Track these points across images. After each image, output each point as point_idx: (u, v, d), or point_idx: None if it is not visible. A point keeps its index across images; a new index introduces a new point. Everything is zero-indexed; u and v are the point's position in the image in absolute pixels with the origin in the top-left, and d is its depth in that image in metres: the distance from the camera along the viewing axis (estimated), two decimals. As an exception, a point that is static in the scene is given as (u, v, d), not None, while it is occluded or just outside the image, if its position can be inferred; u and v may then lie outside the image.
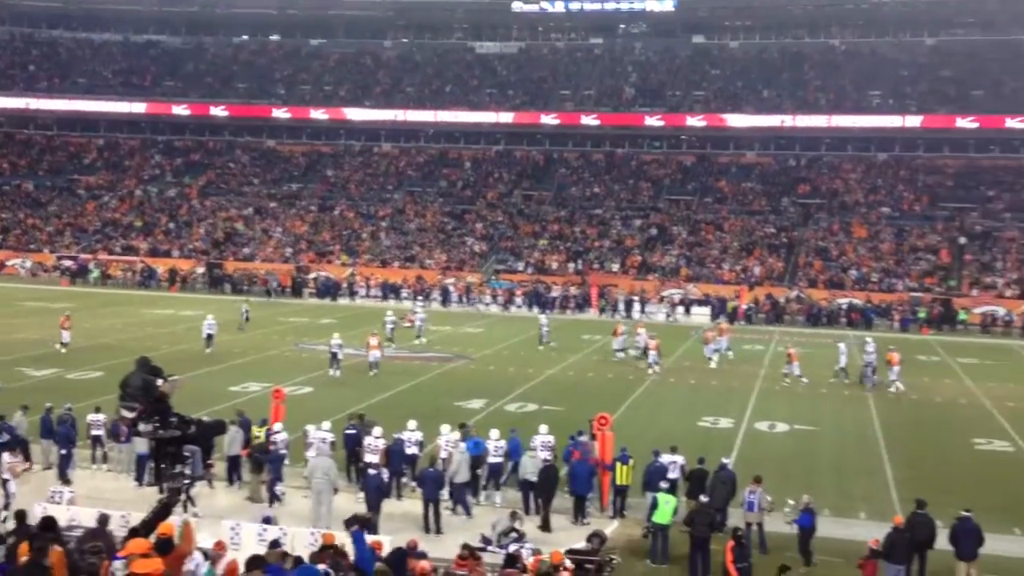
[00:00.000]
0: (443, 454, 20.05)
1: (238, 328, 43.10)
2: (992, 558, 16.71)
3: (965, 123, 67.26)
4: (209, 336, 37.55)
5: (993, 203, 64.49)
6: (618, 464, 19.73)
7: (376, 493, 18.54)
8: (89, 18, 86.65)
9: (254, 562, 12.15)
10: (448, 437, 20.42)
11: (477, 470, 20.52)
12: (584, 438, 20.86)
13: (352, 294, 58.83)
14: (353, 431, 21.27)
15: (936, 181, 68.04)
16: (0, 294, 54.32)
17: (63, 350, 35.73)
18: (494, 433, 20.81)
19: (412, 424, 21.19)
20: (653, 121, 73.56)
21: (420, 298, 55.99)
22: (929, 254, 60.21)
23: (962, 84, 70.70)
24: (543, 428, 21.30)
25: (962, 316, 53.07)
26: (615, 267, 61.92)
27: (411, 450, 20.88)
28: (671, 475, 19.44)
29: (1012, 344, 48.06)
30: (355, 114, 77.93)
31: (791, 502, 17.87)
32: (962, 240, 60.39)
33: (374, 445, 20.22)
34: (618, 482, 19.76)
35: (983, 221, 62.71)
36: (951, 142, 69.21)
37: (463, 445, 20.01)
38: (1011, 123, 66.18)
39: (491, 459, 20.48)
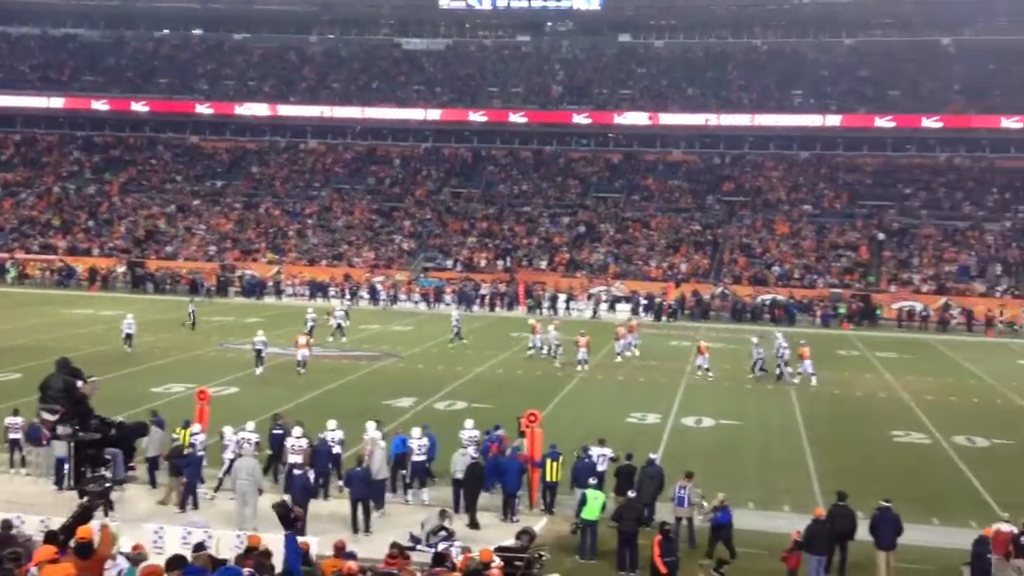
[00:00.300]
0: (367, 452, 20.01)
1: (181, 324, 42.93)
2: (911, 548, 17.14)
3: (883, 122, 68.82)
4: (128, 336, 36.95)
5: (910, 201, 66.15)
6: (548, 460, 19.86)
7: (303, 494, 18.36)
8: (4, 11, 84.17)
9: (175, 562, 12.02)
10: (372, 435, 20.34)
11: (402, 469, 20.54)
12: (501, 432, 21.03)
13: (279, 293, 58.19)
14: (279, 431, 21.06)
15: (855, 179, 69.54)
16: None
17: None
18: (416, 431, 20.78)
19: (332, 424, 21.07)
20: (581, 119, 74.00)
21: (347, 296, 55.60)
22: (849, 251, 61.52)
23: (880, 84, 72.36)
24: (468, 423, 21.35)
25: (879, 311, 54.37)
26: (543, 264, 62.15)
27: (335, 450, 20.75)
28: (600, 468, 19.63)
29: (929, 338, 49.30)
30: (281, 110, 77.03)
31: (705, 504, 18.06)
32: (880, 236, 61.89)
33: (297, 445, 20.07)
34: (548, 479, 19.89)
35: (900, 218, 64.32)
36: (870, 141, 70.77)
37: (382, 443, 19.98)
38: (927, 123, 67.92)
39: (415, 457, 20.45)
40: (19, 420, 21.25)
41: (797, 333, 46.88)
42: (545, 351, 38.55)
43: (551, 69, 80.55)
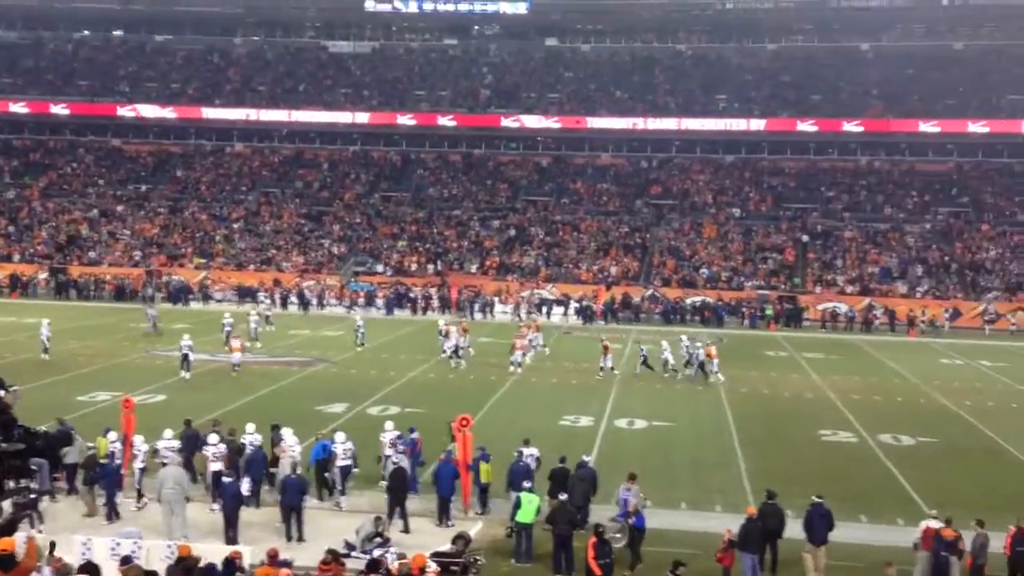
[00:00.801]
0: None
1: (144, 332, 42.80)
2: (840, 545, 17.39)
3: (805, 126, 70.10)
4: (46, 339, 36.33)
5: (833, 203, 67.48)
6: (480, 463, 19.87)
7: (233, 502, 18.10)
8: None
9: (86, 569, 11.96)
10: (288, 442, 20.12)
11: (326, 473, 20.42)
12: (416, 435, 21.06)
13: (206, 298, 57.29)
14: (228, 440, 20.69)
15: (780, 182, 70.74)
16: None
17: None
18: (340, 436, 20.64)
19: (251, 427, 20.89)
20: (509, 122, 74.05)
21: (268, 301, 54.82)
22: (775, 253, 62.50)
23: (801, 88, 73.78)
24: (388, 424, 21.33)
25: (805, 312, 55.36)
26: (474, 268, 62.11)
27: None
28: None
29: (854, 339, 50.21)
30: (205, 113, 75.90)
31: (649, 504, 18.13)
32: (804, 238, 63.03)
33: (217, 452, 19.80)
34: (482, 480, 19.91)
35: (824, 221, 65.57)
36: (793, 144, 71.98)
37: (294, 450, 19.89)
38: (847, 127, 69.43)
39: (340, 462, 20.32)
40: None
41: (728, 335, 47.69)
42: (446, 355, 38.31)
43: (479, 72, 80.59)
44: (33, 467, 16.59)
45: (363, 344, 41.37)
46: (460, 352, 37.79)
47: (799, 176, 71.11)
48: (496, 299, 56.34)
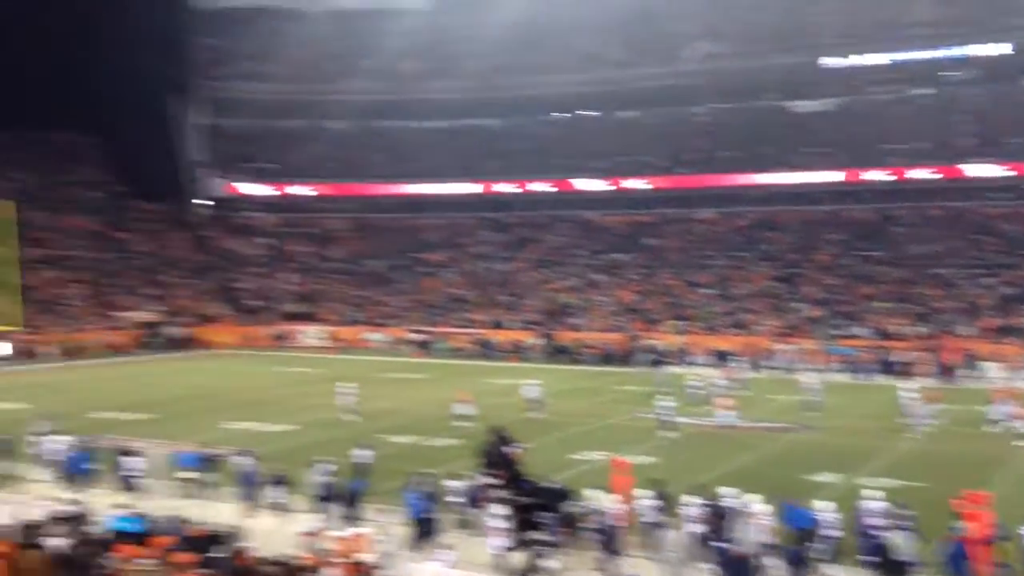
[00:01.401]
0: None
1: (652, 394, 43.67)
2: None
3: None
4: (532, 400, 38.90)
5: None
6: (999, 543, 17.97)
7: (730, 569, 17.81)
8: (416, 108, 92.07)
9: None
10: (757, 508, 19.31)
11: (806, 543, 19.21)
12: (906, 511, 19.02)
13: (684, 362, 58.10)
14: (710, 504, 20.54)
15: None
16: (360, 365, 58.22)
17: (468, 423, 35.63)
18: (825, 505, 19.59)
19: (731, 491, 20.29)
20: (993, 172, 68.35)
21: (736, 363, 54.22)
22: None
23: None
24: (873, 493, 19.98)
25: None
26: (968, 330, 57.20)
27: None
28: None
29: None
30: (670, 182, 78.41)
31: None
32: None
33: (698, 514, 19.55)
34: (1002, 562, 17.96)
35: None
36: None
37: (763, 519, 18.88)
38: None
39: (825, 532, 19.14)
40: (458, 484, 22.45)
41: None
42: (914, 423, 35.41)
43: (952, 121, 75.40)
44: (542, 520, 17.61)
45: (819, 410, 39.56)
46: (924, 420, 35.18)
47: None
48: (992, 364, 51.45)
